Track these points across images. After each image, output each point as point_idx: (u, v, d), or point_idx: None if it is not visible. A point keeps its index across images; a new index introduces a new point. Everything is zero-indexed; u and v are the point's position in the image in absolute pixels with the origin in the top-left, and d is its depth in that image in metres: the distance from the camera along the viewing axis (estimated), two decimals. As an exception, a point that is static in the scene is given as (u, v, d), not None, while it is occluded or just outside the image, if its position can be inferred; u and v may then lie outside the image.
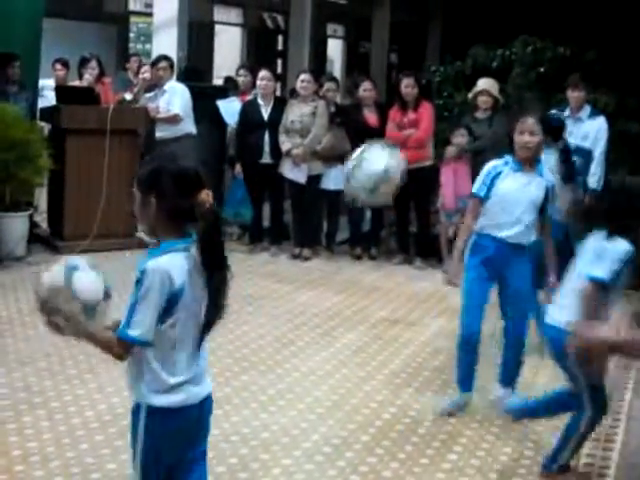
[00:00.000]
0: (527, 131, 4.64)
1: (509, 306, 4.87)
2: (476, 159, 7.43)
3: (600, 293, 3.76)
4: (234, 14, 19.66)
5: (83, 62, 9.88)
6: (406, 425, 4.62)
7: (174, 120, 8.65)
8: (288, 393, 5.00)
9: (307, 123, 8.33)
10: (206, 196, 2.65)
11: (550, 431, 4.62)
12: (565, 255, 4.49)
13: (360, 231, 8.89)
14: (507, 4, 13.81)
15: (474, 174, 6.59)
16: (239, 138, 8.77)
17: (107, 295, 2.73)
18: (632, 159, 8.77)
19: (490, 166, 4.78)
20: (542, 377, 5.50)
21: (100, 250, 7.87)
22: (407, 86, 8.28)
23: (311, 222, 8.69)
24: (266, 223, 8.98)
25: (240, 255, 8.50)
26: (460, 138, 7.99)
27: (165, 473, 2.79)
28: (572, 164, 6.76)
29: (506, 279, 4.81)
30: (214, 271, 2.69)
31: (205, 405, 2.82)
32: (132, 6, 17.34)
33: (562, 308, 3.91)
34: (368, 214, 8.88)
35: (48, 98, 9.26)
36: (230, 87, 9.97)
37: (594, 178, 7.55)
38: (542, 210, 4.76)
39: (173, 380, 2.69)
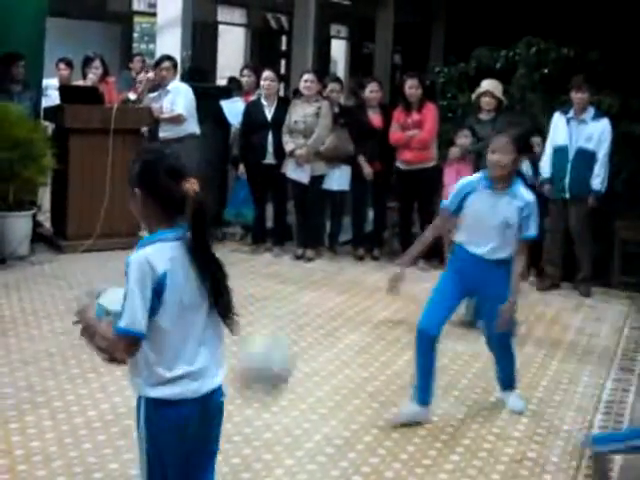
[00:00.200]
0: (498, 150, 4.52)
1: (487, 317, 4.79)
2: (479, 160, 7.42)
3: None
4: (238, 14, 19.65)
5: (87, 62, 9.90)
6: (408, 426, 4.62)
7: (178, 120, 8.65)
8: (291, 393, 4.99)
9: (311, 124, 8.33)
10: (190, 185, 2.66)
11: (553, 432, 4.63)
12: None
13: (363, 232, 8.89)
14: (511, 5, 13.80)
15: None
16: (242, 138, 8.77)
17: None
18: (636, 161, 8.77)
19: (464, 182, 4.71)
20: (545, 378, 5.50)
21: (103, 249, 7.90)
22: (411, 87, 8.29)
23: (314, 223, 8.69)
24: (269, 224, 8.98)
25: (243, 256, 8.51)
26: (464, 139, 7.99)
27: (172, 468, 2.79)
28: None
29: (484, 293, 4.77)
30: (205, 261, 2.70)
31: (209, 402, 2.79)
32: (136, 6, 17.33)
33: None
34: (371, 215, 8.89)
35: (52, 97, 9.27)
36: (234, 87, 9.96)
37: (598, 180, 7.55)
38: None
39: (169, 373, 2.70)
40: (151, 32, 14.57)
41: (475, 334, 6.38)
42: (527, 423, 4.76)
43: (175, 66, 8.98)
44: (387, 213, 8.81)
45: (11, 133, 7.56)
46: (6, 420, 4.39)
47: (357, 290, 7.44)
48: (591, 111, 7.66)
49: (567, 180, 7.62)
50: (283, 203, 8.85)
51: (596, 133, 7.57)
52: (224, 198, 9.24)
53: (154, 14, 12.75)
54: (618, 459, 4.35)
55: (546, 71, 9.54)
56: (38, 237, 8.35)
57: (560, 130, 7.70)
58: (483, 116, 8.19)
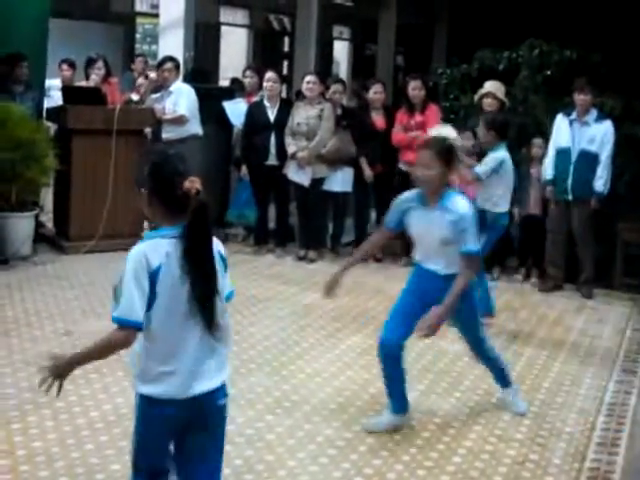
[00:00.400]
0: (420, 164, 4.35)
1: (458, 328, 4.76)
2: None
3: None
4: (240, 15, 19.68)
5: (90, 62, 9.90)
6: (410, 427, 4.62)
7: (180, 121, 8.65)
8: (293, 395, 5.00)
9: (313, 126, 8.33)
10: (190, 184, 2.70)
11: (555, 435, 4.62)
12: None
13: (365, 233, 8.87)
14: (513, 7, 13.80)
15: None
16: (245, 139, 8.78)
17: None
18: (638, 163, 8.75)
19: (401, 198, 4.55)
20: (547, 380, 5.50)
21: (106, 250, 7.89)
22: (414, 88, 8.29)
23: (316, 224, 8.69)
24: (271, 225, 8.98)
25: (245, 257, 8.51)
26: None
27: (159, 455, 2.89)
28: None
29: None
30: (200, 259, 2.73)
31: (205, 404, 2.84)
32: (138, 7, 17.37)
33: None
34: (373, 216, 8.89)
35: (54, 98, 9.28)
36: (236, 88, 9.97)
37: (600, 182, 7.54)
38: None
39: (158, 370, 2.77)
40: (154, 33, 14.61)
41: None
42: (529, 425, 4.76)
43: (177, 67, 8.98)
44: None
45: (14, 134, 7.57)
46: (8, 420, 4.39)
47: (360, 291, 7.44)
48: (594, 113, 7.65)
49: (570, 182, 7.62)
50: (285, 204, 8.85)
51: (599, 135, 7.56)
52: (226, 199, 9.24)
53: (157, 15, 12.76)
54: (622, 462, 4.36)
55: (549, 73, 9.52)
56: (40, 238, 8.36)
57: (563, 132, 7.70)
58: (485, 118, 8.17)
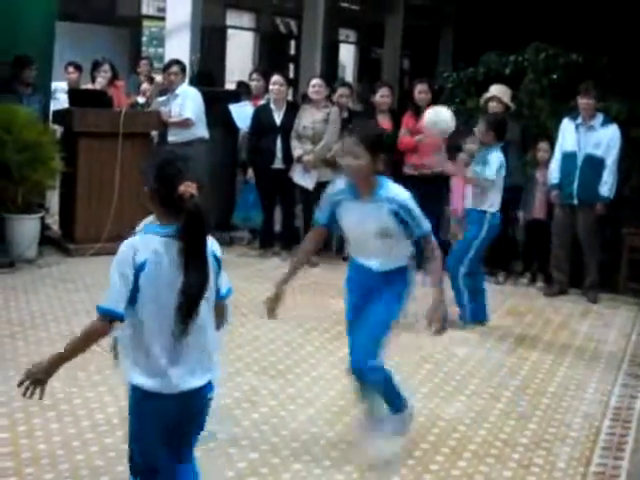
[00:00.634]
0: (346, 153, 4.03)
1: (355, 328, 4.30)
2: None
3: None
4: (247, 19, 19.69)
5: (96, 65, 9.93)
6: (415, 431, 4.60)
7: (186, 124, 8.66)
8: (298, 398, 5.00)
9: (319, 129, 8.34)
10: (185, 187, 2.75)
11: (560, 439, 4.61)
12: None
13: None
14: (519, 11, 13.79)
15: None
16: (251, 143, 8.79)
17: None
18: (644, 167, 8.75)
19: (330, 192, 4.24)
20: (552, 384, 5.49)
21: (111, 253, 7.78)
22: (421, 92, 8.31)
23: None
24: (277, 228, 8.99)
25: (251, 259, 8.52)
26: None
27: (150, 440, 2.93)
28: None
29: (369, 303, 4.24)
30: (190, 261, 2.76)
31: (192, 399, 2.92)
32: (145, 10, 17.39)
33: None
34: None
35: (61, 101, 9.31)
36: (242, 91, 9.99)
37: (606, 186, 7.54)
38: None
39: (142, 365, 2.84)
40: (160, 36, 14.64)
41: (478, 339, 6.39)
42: (534, 429, 4.75)
43: (184, 70, 9.00)
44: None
45: (20, 136, 7.59)
46: (13, 423, 4.39)
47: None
48: (600, 117, 7.65)
49: (575, 186, 7.61)
50: (291, 207, 8.86)
51: (605, 139, 7.56)
52: (232, 202, 9.25)
53: (163, 18, 12.79)
54: (627, 466, 4.35)
55: (555, 77, 9.52)
56: (46, 240, 8.37)
57: (569, 136, 7.70)
58: (491, 121, 8.16)
